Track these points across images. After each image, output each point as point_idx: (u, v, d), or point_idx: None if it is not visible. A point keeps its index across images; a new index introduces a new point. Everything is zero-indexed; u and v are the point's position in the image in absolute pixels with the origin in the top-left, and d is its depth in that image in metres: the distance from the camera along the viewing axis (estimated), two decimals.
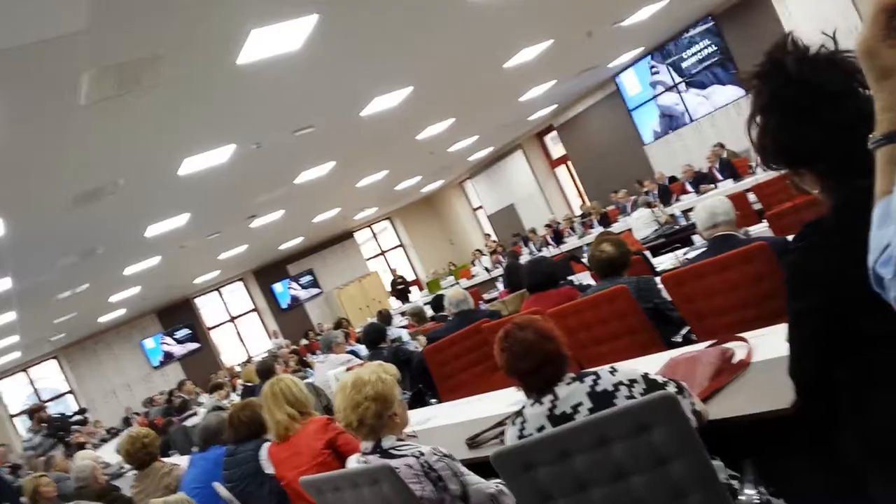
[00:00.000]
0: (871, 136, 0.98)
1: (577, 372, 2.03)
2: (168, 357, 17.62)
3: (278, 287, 19.08)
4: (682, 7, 10.76)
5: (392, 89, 8.35)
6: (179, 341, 17.83)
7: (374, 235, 21.38)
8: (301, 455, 3.20)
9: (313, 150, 9.69)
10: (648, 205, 9.90)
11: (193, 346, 17.93)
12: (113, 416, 15.90)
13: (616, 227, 10.90)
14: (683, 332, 3.65)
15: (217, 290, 18.85)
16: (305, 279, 19.45)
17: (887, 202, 0.93)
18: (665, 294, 3.66)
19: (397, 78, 8.09)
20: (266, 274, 19.03)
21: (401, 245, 21.58)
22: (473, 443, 2.86)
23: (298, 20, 5.36)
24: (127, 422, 14.73)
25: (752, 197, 7.50)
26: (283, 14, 5.19)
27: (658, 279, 3.79)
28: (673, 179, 11.92)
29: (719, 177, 10.27)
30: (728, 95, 12.41)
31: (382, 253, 21.35)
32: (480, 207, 20.18)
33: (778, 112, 1.27)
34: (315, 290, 19.52)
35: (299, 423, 3.29)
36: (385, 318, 8.54)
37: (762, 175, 8.16)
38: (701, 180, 10.51)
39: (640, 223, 9.68)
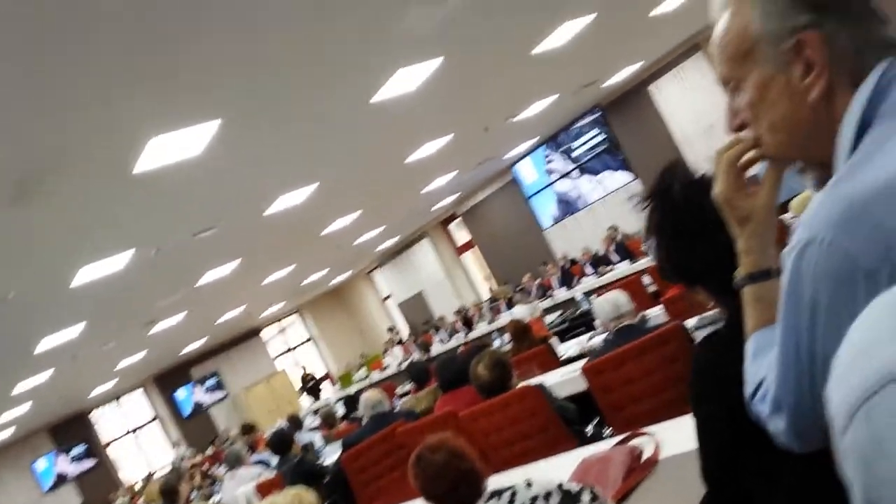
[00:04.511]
0: (734, 274, 1.05)
1: (494, 489, 2.03)
2: (61, 479, 16.24)
3: (181, 393, 18.07)
4: (571, 100, 11.42)
5: (297, 187, 8.38)
6: (74, 459, 16.54)
7: (282, 331, 20.87)
8: None
9: (216, 251, 9.50)
10: (540, 296, 10.04)
11: (89, 463, 16.65)
12: None
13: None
14: (594, 422, 3.72)
15: (116, 399, 17.76)
16: (210, 382, 18.54)
17: (756, 338, 1.01)
18: (555, 394, 3.74)
19: (302, 176, 8.14)
20: (168, 379, 18.05)
21: (310, 338, 21.14)
22: None
23: (200, 126, 5.32)
24: None
25: (646, 279, 7.77)
26: (185, 121, 5.13)
27: (548, 383, 3.83)
28: (573, 262, 12.34)
29: (616, 258, 10.70)
30: (619, 180, 13.13)
31: (291, 349, 20.80)
32: (390, 296, 20.16)
33: (668, 234, 1.33)
34: (220, 394, 18.61)
35: None
36: (295, 423, 8.27)
37: None
38: (599, 262, 10.91)
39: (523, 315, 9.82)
